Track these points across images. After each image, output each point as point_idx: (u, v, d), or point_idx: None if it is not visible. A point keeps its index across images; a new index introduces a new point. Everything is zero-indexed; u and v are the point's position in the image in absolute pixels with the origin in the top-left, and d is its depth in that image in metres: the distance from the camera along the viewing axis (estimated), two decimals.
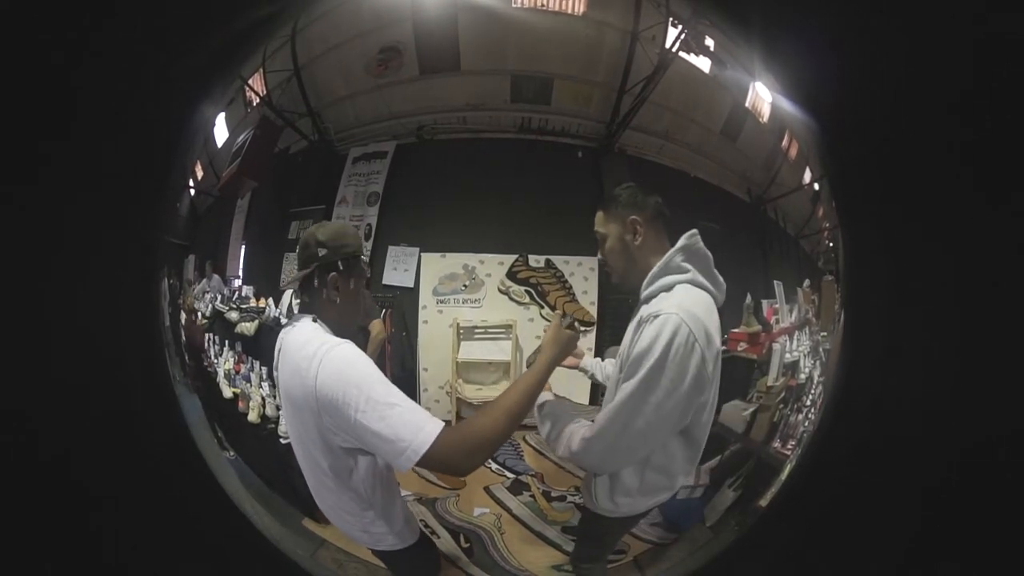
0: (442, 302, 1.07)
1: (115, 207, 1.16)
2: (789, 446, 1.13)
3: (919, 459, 1.20)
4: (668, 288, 1.00)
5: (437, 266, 1.06)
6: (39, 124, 1.13)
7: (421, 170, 1.06)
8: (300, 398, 1.01)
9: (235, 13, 1.14)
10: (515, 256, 1.06)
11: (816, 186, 1.11)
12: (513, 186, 1.04)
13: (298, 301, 1.08)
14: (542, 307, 1.07)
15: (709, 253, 1.01)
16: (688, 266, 1.00)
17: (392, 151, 1.05)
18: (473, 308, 1.07)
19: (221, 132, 1.10)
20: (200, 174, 1.12)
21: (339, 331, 1.04)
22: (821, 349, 1.11)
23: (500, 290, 1.06)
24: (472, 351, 1.09)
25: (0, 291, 1.13)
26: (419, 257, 1.06)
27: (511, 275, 1.06)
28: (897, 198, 1.20)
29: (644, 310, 1.00)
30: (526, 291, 1.06)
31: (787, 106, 1.09)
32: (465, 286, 1.07)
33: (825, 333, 1.11)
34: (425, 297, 1.07)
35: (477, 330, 1.09)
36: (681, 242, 1.01)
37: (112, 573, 1.21)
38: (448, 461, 0.98)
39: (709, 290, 1.00)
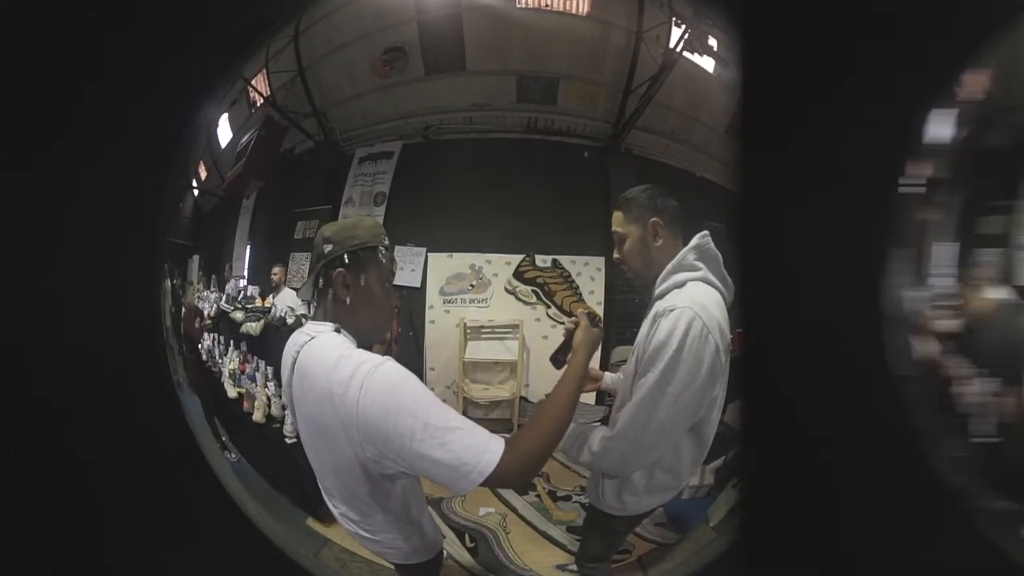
0: (449, 302, 1.07)
1: (117, 207, 1.15)
2: None
3: (921, 458, 1.20)
4: (680, 285, 1.01)
5: (444, 266, 1.06)
6: (40, 124, 1.13)
7: (427, 170, 1.06)
8: (334, 426, 0.93)
9: (235, 13, 1.14)
10: (522, 256, 1.06)
11: None
12: (519, 186, 1.04)
13: (315, 306, 1.02)
14: (549, 307, 1.07)
15: (719, 254, 1.02)
16: (700, 264, 1.01)
17: (398, 151, 1.05)
18: (480, 308, 1.07)
19: (224, 132, 1.10)
20: (203, 174, 1.12)
21: (365, 339, 0.98)
22: None
23: (507, 290, 1.06)
24: (479, 351, 1.09)
25: (1, 292, 1.13)
26: (426, 257, 1.05)
27: (518, 275, 1.06)
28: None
29: (658, 306, 1.01)
30: (533, 291, 1.07)
31: None
32: (472, 286, 1.07)
33: None
34: (432, 297, 1.07)
35: (484, 330, 1.09)
36: (694, 242, 1.02)
37: (112, 573, 1.21)
38: (508, 479, 0.93)
39: (719, 288, 1.01)
